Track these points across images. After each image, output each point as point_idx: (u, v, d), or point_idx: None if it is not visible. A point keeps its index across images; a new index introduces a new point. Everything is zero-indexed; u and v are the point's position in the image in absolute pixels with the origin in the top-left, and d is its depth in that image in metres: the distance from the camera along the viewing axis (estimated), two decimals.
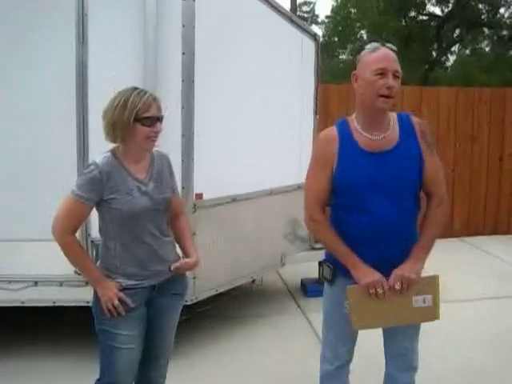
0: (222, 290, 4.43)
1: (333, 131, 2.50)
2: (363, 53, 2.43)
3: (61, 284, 3.99)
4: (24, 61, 3.87)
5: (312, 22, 32.51)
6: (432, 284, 2.46)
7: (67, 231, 2.43)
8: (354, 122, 2.48)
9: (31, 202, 3.88)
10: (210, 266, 4.11)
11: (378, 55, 2.34)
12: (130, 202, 2.44)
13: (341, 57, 26.11)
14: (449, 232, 8.23)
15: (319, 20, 31.18)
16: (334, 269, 2.54)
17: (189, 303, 4.01)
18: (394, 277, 2.39)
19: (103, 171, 2.40)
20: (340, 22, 23.91)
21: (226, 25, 4.20)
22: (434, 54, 22.01)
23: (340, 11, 24.23)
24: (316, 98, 5.58)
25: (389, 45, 2.40)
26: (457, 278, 6.24)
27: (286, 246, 5.29)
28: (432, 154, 2.47)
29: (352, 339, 2.66)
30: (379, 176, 2.38)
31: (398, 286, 2.38)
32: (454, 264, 6.78)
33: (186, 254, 2.71)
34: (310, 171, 2.55)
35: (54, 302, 3.90)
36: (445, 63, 23.55)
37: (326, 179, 2.46)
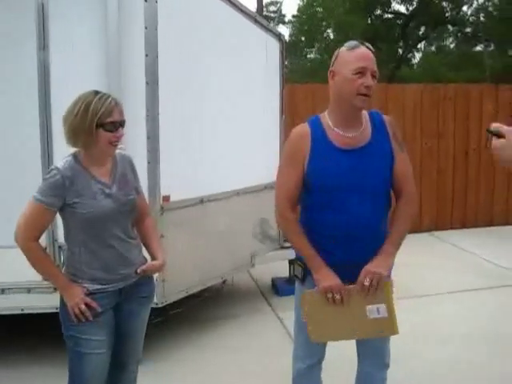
0: (192, 291, 4.42)
1: (305, 127, 2.49)
2: (341, 50, 2.42)
3: (29, 291, 3.95)
4: None
5: (279, 22, 32.62)
6: (385, 291, 2.40)
7: (30, 238, 2.40)
8: (327, 118, 2.48)
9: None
10: (180, 269, 4.10)
11: (358, 54, 2.34)
12: (94, 205, 2.42)
13: (308, 56, 26.25)
14: (418, 227, 8.34)
15: (286, 20, 31.30)
16: (305, 267, 2.52)
17: (159, 306, 4.00)
18: (365, 272, 2.38)
19: (65, 176, 2.38)
20: (306, 22, 24.02)
21: (190, 26, 4.19)
22: (400, 51, 22.28)
23: (306, 11, 24.35)
24: (282, 98, 5.61)
25: (367, 44, 2.41)
26: (427, 272, 6.34)
27: (256, 245, 5.30)
28: (402, 151, 2.49)
29: (323, 346, 2.67)
30: (352, 173, 2.38)
31: (367, 282, 2.36)
32: (423, 258, 6.89)
33: (152, 256, 2.70)
34: (281, 168, 2.54)
35: (22, 310, 3.87)
36: (411, 61, 23.85)
37: (297, 176, 2.46)
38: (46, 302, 3.77)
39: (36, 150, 3.78)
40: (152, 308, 3.88)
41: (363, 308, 2.41)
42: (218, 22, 4.54)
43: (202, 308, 5.18)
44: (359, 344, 2.67)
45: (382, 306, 2.39)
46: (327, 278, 2.41)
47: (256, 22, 5.09)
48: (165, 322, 4.54)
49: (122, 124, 2.46)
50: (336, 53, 2.45)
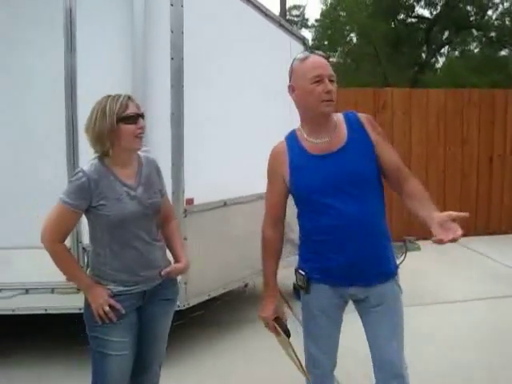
0: (214, 294, 4.42)
1: (282, 144, 2.54)
2: (294, 63, 2.44)
3: (52, 291, 3.98)
4: (13, 70, 3.86)
5: (302, 26, 32.59)
6: (287, 343, 2.55)
7: (56, 239, 2.43)
8: (301, 130, 2.50)
9: (21, 210, 3.87)
10: (202, 271, 4.10)
11: (311, 63, 2.36)
12: (119, 207, 2.44)
13: (331, 60, 26.19)
14: (423, 233, 8.23)
15: (309, 24, 31.26)
16: (308, 275, 2.50)
17: (181, 308, 4.01)
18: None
19: (91, 178, 2.40)
20: (329, 26, 23.97)
21: (215, 29, 4.21)
22: (423, 56, 22.12)
23: (329, 15, 24.30)
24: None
25: (318, 52, 2.44)
26: (449, 278, 6.28)
27: None
28: (386, 142, 2.48)
29: (332, 347, 2.62)
30: (333, 177, 2.37)
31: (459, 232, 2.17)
32: (445, 265, 6.82)
33: (176, 259, 2.71)
34: (266, 187, 2.60)
35: (45, 310, 3.90)
36: (434, 65, 23.66)
37: (277, 193, 2.52)
38: (70, 303, 3.80)
39: (61, 153, 3.81)
40: (175, 310, 3.95)
41: (287, 347, 2.60)
42: (243, 25, 4.55)
43: (222, 311, 5.18)
44: (372, 354, 2.58)
45: (292, 354, 2.57)
46: (264, 307, 2.57)
47: (280, 25, 5.09)
48: (184, 325, 4.54)
49: (141, 116, 2.50)
50: (290, 68, 2.46)
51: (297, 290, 5.60)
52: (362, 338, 2.56)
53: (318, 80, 2.33)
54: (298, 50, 5.51)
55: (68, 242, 3.77)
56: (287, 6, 23.06)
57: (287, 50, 5.27)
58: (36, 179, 3.85)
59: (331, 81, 2.36)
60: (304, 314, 2.61)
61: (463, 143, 8.62)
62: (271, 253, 2.57)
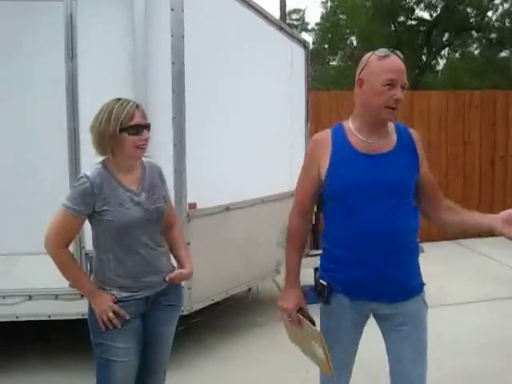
0: (217, 299, 4.42)
1: (326, 133, 2.42)
2: (372, 58, 2.29)
3: (56, 297, 3.96)
4: (14, 75, 3.85)
5: (302, 30, 32.61)
6: (318, 339, 2.34)
7: (60, 245, 2.42)
8: (350, 124, 2.40)
9: (24, 216, 3.86)
10: (205, 276, 4.09)
11: (389, 64, 2.24)
12: (123, 213, 2.43)
13: (331, 63, 26.19)
14: (443, 235, 8.24)
15: (309, 27, 31.28)
16: (329, 286, 2.39)
17: (185, 313, 3.99)
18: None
19: (94, 183, 2.39)
20: (329, 29, 23.99)
21: (216, 34, 4.21)
22: (423, 58, 22.12)
23: (329, 18, 24.33)
24: (307, 106, 5.60)
25: (397, 52, 2.30)
26: (453, 281, 6.26)
27: (281, 253, 5.25)
28: (426, 163, 2.44)
29: (349, 362, 2.51)
30: (374, 179, 2.28)
31: None
32: (449, 267, 6.81)
33: (180, 264, 2.70)
34: (300, 174, 2.49)
35: (49, 316, 3.90)
36: (435, 67, 23.66)
37: (310, 182, 2.41)
38: (73, 309, 3.79)
39: (63, 158, 3.81)
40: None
41: (309, 341, 2.41)
42: (244, 29, 4.55)
43: (225, 316, 5.16)
44: (394, 375, 2.45)
45: (320, 349, 2.34)
46: (285, 297, 2.44)
47: (281, 29, 5.09)
48: (187, 330, 4.52)
49: (146, 127, 2.47)
50: (365, 60, 2.33)
51: (311, 292, 5.61)
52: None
53: (391, 84, 2.22)
54: (298, 54, 5.53)
55: (71, 248, 3.75)
56: (287, 9, 23.11)
57: (288, 54, 5.28)
58: (37, 184, 3.84)
59: (403, 88, 2.25)
60: (323, 323, 2.49)
61: (465, 145, 8.62)
62: (296, 243, 2.47)
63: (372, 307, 2.37)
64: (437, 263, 6.74)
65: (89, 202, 2.40)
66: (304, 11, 33.11)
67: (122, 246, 2.46)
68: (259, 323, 5.13)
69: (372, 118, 2.31)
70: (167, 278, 2.58)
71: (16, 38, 3.80)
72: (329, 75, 24.13)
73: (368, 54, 2.33)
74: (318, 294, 2.45)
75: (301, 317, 2.40)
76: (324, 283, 2.40)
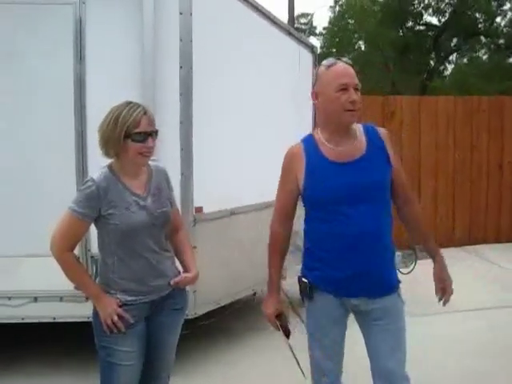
0: (222, 303, 4.41)
1: (298, 146, 2.52)
2: (320, 70, 2.43)
3: (61, 299, 3.96)
4: (23, 77, 3.86)
5: (310, 34, 32.59)
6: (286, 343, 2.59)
7: (65, 247, 2.42)
8: (319, 135, 2.48)
9: (30, 218, 3.86)
10: (211, 280, 4.08)
11: (338, 71, 2.36)
12: (128, 216, 2.43)
13: None
14: (450, 241, 8.21)
15: (317, 31, 31.27)
16: (311, 283, 2.48)
17: (190, 317, 3.98)
18: (448, 292, 2.58)
19: (100, 187, 2.40)
20: (337, 33, 23.98)
21: (224, 38, 4.22)
22: (431, 63, 22.07)
23: (337, 22, 24.32)
24: (314, 110, 5.58)
25: (344, 59, 2.43)
26: (458, 287, 6.20)
27: (287, 258, 5.25)
28: (398, 159, 2.54)
29: (339, 354, 2.59)
30: (348, 186, 2.37)
31: (449, 294, 2.60)
32: (455, 273, 6.73)
33: (185, 269, 2.70)
34: (278, 184, 2.60)
35: (54, 318, 3.91)
36: (443, 72, 23.59)
37: (289, 194, 2.51)
38: (78, 312, 3.79)
39: (69, 160, 3.82)
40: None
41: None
42: (252, 33, 4.56)
43: (231, 320, 5.14)
44: (373, 366, 2.54)
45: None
46: (266, 304, 2.60)
47: (289, 33, 5.09)
48: (193, 334, 4.51)
49: (152, 134, 2.47)
50: (315, 74, 2.47)
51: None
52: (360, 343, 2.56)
53: (344, 88, 2.32)
54: (306, 58, 5.52)
55: (77, 251, 3.76)
56: (295, 13, 23.11)
57: (296, 58, 5.28)
58: (44, 186, 3.85)
59: (356, 89, 2.36)
60: (310, 322, 2.58)
61: (472, 150, 8.58)
62: (277, 249, 2.59)
63: (354, 303, 2.46)
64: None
65: (95, 206, 2.40)
66: (312, 15, 33.06)
67: (127, 250, 2.46)
68: (264, 327, 5.09)
69: (335, 126, 2.41)
70: (172, 282, 2.58)
71: (25, 41, 3.82)
72: None
73: (318, 68, 2.48)
74: (300, 291, 2.55)
75: (278, 323, 2.57)
76: (306, 281, 2.50)
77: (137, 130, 2.39)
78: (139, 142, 2.41)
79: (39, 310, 3.92)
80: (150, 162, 2.61)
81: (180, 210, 3.81)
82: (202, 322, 4.52)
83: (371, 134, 2.49)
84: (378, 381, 2.52)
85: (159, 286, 2.54)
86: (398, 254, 6.09)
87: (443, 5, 20.45)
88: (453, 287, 2.61)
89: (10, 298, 3.93)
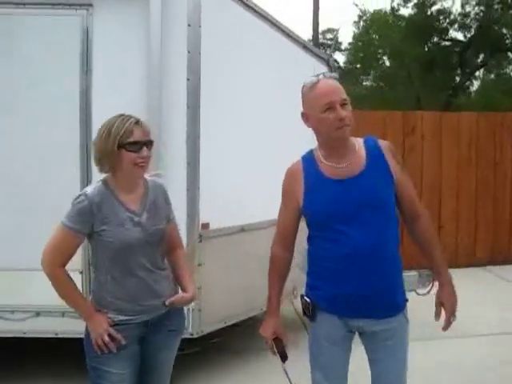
0: (230, 322, 4.29)
1: (297, 164, 2.48)
2: (304, 90, 2.37)
3: (63, 315, 3.89)
4: (28, 87, 3.83)
5: (335, 49, 32.58)
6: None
7: (56, 263, 2.36)
8: (319, 152, 2.44)
9: (33, 232, 3.80)
10: (217, 298, 4.00)
11: (320, 90, 2.28)
12: (122, 233, 2.35)
13: (364, 83, 26.04)
14: (471, 260, 7.99)
15: (343, 47, 31.20)
16: (314, 303, 2.43)
17: (195, 336, 3.89)
18: (449, 314, 2.42)
19: (93, 202, 2.33)
20: (362, 49, 23.88)
21: (234, 50, 4.16)
22: (457, 79, 21.83)
23: (362, 38, 24.23)
24: None
25: (328, 74, 2.39)
26: (480, 310, 5.99)
27: (299, 276, 5.12)
28: (405, 173, 2.44)
29: (340, 378, 2.50)
30: (349, 203, 2.30)
31: (453, 320, 2.44)
32: (476, 295, 6.53)
33: (182, 288, 2.61)
34: (280, 206, 2.54)
35: (56, 334, 3.85)
36: (468, 88, 23.32)
37: (290, 214, 2.47)
38: (80, 327, 3.68)
39: (74, 174, 3.76)
40: (188, 338, 3.82)
41: None
42: (263, 46, 4.49)
43: (242, 338, 5.02)
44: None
45: None
46: (265, 326, 2.56)
47: (303, 46, 5.01)
48: (202, 352, 4.41)
49: (146, 144, 2.39)
50: (301, 95, 2.40)
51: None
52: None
53: (329, 107, 2.25)
54: (322, 71, 5.41)
55: (80, 266, 3.74)
56: (321, 29, 23.15)
57: (311, 71, 5.17)
58: (47, 199, 3.79)
59: (344, 104, 2.28)
60: (311, 343, 2.52)
61: (495, 166, 8.36)
62: (278, 272, 2.55)
63: (358, 325, 2.39)
64: (462, 290, 6.50)
65: (87, 221, 2.34)
66: (337, 31, 33.03)
67: (120, 268, 2.39)
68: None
69: (330, 143, 2.36)
70: (167, 303, 2.48)
71: (32, 51, 3.80)
72: (361, 95, 23.99)
73: (302, 89, 2.39)
74: (303, 310, 2.50)
75: (274, 348, 2.52)
76: (308, 300, 2.44)
77: (130, 140, 2.33)
78: (133, 152, 2.34)
79: (42, 324, 3.86)
80: (147, 177, 2.54)
81: (186, 226, 3.77)
82: (210, 340, 4.42)
83: (371, 147, 2.41)
84: None
85: (153, 306, 2.45)
86: (414, 273, 5.97)
87: (469, 20, 20.25)
88: (456, 314, 2.46)
89: (12, 312, 3.88)
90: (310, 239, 2.49)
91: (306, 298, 2.46)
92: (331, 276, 2.36)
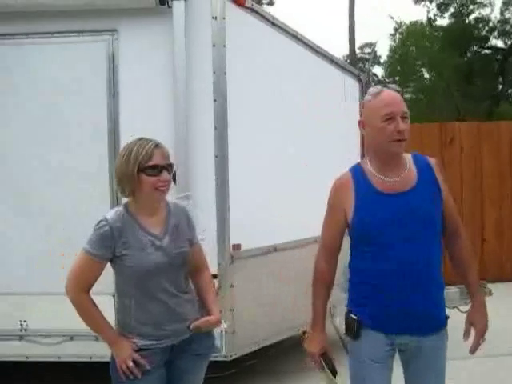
0: (265, 344, 4.23)
1: (347, 176, 2.44)
2: (366, 98, 2.39)
3: (97, 339, 3.89)
4: (56, 114, 3.89)
5: (374, 63, 32.39)
6: (329, 380, 2.42)
7: (80, 289, 2.36)
8: (368, 165, 2.42)
9: (69, 256, 3.84)
10: (251, 320, 3.96)
11: (383, 99, 2.30)
12: (144, 258, 2.34)
13: (405, 96, 25.79)
14: (500, 275, 7.70)
15: (381, 60, 30.99)
16: (360, 320, 2.37)
17: (229, 359, 3.83)
18: (480, 333, 2.40)
19: (114, 227, 2.32)
20: (399, 62, 23.68)
21: (260, 69, 4.15)
22: (499, 87, 21.40)
23: (399, 50, 24.05)
24: (363, 140, 5.39)
25: (391, 86, 2.40)
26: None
27: (336, 294, 5.03)
28: (447, 190, 2.44)
29: None
30: (400, 218, 2.29)
31: (482, 342, 2.41)
32: (507, 311, 6.26)
33: (207, 311, 2.56)
34: (324, 218, 2.51)
35: (90, 358, 3.85)
36: (510, 96, 22.82)
37: (336, 226, 2.43)
38: None
39: (105, 198, 3.78)
40: (222, 361, 3.78)
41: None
42: (291, 63, 4.48)
43: (279, 359, 4.95)
44: None
45: None
46: (312, 342, 2.49)
47: (332, 62, 4.96)
48: (238, 374, 4.34)
49: (166, 168, 2.38)
50: (362, 103, 2.45)
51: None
52: None
53: (390, 118, 2.26)
54: (352, 86, 5.36)
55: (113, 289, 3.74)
56: (360, 43, 23.09)
57: (341, 87, 5.14)
58: (80, 224, 3.81)
59: (404, 117, 2.30)
60: (352, 362, 2.45)
61: None
62: (323, 285, 2.48)
63: (403, 342, 2.37)
64: (508, 308, 6.27)
65: (109, 246, 2.33)
66: (375, 45, 32.80)
67: (143, 292, 2.37)
68: (311, 368, 4.86)
69: (383, 155, 2.35)
70: (192, 327, 2.45)
71: (59, 77, 3.87)
72: None
73: (365, 97, 2.44)
74: (347, 328, 2.44)
75: (323, 363, 2.44)
76: (355, 317, 2.39)
77: (150, 164, 2.32)
78: (153, 176, 2.33)
79: (76, 348, 3.88)
80: (169, 200, 2.52)
81: (216, 247, 3.75)
82: (246, 361, 4.36)
83: (421, 164, 2.42)
84: None
85: (177, 330, 2.42)
86: (455, 290, 5.76)
87: (509, 27, 19.87)
88: (485, 336, 2.43)
89: (46, 336, 3.91)
90: (354, 255, 2.45)
91: (352, 315, 2.41)
92: (381, 292, 2.32)
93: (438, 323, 2.38)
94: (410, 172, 2.37)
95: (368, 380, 2.37)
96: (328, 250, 2.47)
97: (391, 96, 2.30)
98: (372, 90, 2.37)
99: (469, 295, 2.48)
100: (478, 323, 2.41)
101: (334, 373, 2.44)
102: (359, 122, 2.42)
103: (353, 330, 2.39)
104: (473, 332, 2.43)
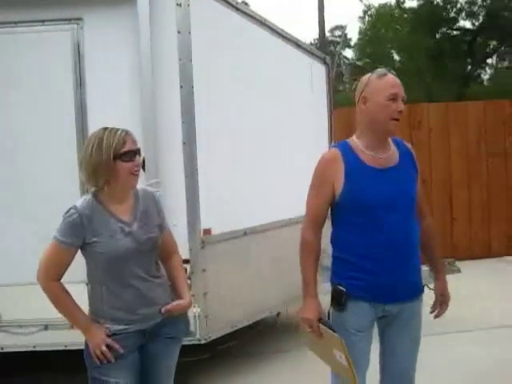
0: (238, 326, 4.28)
1: (335, 151, 2.57)
2: (372, 77, 2.53)
3: (71, 327, 3.91)
4: (24, 104, 3.86)
5: (345, 46, 32.44)
6: (338, 344, 2.39)
7: (51, 277, 2.38)
8: (356, 142, 2.56)
9: (40, 246, 3.84)
10: (223, 303, 4.00)
11: (389, 81, 2.49)
12: (113, 244, 2.37)
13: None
14: (487, 252, 7.90)
15: (352, 43, 31.06)
16: (347, 292, 2.46)
17: (203, 342, 3.89)
18: (447, 303, 2.67)
19: (83, 214, 2.35)
20: (369, 44, 23.74)
21: (227, 56, 4.16)
22: (468, 68, 21.60)
23: (369, 33, 24.10)
24: (330, 123, 5.46)
25: (393, 72, 2.56)
26: (495, 303, 5.90)
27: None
28: (419, 174, 2.68)
29: (365, 366, 2.59)
30: (388, 192, 2.47)
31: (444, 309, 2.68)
32: (492, 287, 6.44)
33: (178, 295, 2.60)
34: (310, 191, 2.59)
35: (65, 346, 3.86)
36: (480, 77, 23.06)
37: (323, 199, 2.53)
38: None
39: (75, 189, 3.77)
40: (196, 345, 3.83)
41: (331, 348, 2.44)
42: (257, 49, 4.51)
43: (253, 342, 5.02)
44: (387, 364, 2.65)
45: (342, 355, 2.37)
46: (307, 309, 2.51)
47: (298, 46, 5.00)
48: (214, 357, 4.41)
49: (138, 152, 2.43)
50: (365, 80, 2.55)
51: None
52: None
53: (393, 98, 2.45)
54: (319, 70, 5.42)
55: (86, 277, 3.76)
56: (330, 26, 23.08)
57: (307, 70, 5.18)
58: (49, 215, 3.81)
59: (403, 101, 2.50)
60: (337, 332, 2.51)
61: (507, 157, 8.26)
62: (311, 253, 2.55)
63: (387, 309, 2.51)
64: (477, 283, 6.43)
65: (78, 234, 2.36)
66: (345, 27, 32.86)
67: (114, 278, 2.40)
68: (286, 349, 4.97)
69: (380, 133, 2.52)
70: (163, 310, 2.48)
71: (24, 67, 3.84)
72: None
73: (367, 75, 2.57)
74: (334, 301, 2.52)
75: (322, 326, 2.46)
76: (343, 289, 2.47)
77: (124, 150, 2.35)
78: (129, 162, 2.36)
79: (50, 337, 3.89)
80: (137, 186, 2.54)
81: (187, 232, 3.79)
82: (220, 345, 4.42)
83: (402, 148, 2.63)
84: (388, 378, 2.62)
85: (149, 315, 2.46)
86: (425, 268, 5.90)
87: (476, 8, 20.01)
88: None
89: (21, 326, 3.92)
90: (342, 227, 2.55)
91: (340, 287, 2.48)
92: (367, 264, 2.45)
93: (419, 289, 2.58)
94: (393, 151, 2.57)
95: (354, 349, 2.43)
96: (315, 222, 2.55)
97: (396, 80, 2.50)
98: (378, 71, 2.54)
99: (435, 271, 2.72)
100: (446, 293, 2.68)
101: (334, 331, 2.44)
102: (361, 97, 2.53)
103: (340, 302, 2.47)
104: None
